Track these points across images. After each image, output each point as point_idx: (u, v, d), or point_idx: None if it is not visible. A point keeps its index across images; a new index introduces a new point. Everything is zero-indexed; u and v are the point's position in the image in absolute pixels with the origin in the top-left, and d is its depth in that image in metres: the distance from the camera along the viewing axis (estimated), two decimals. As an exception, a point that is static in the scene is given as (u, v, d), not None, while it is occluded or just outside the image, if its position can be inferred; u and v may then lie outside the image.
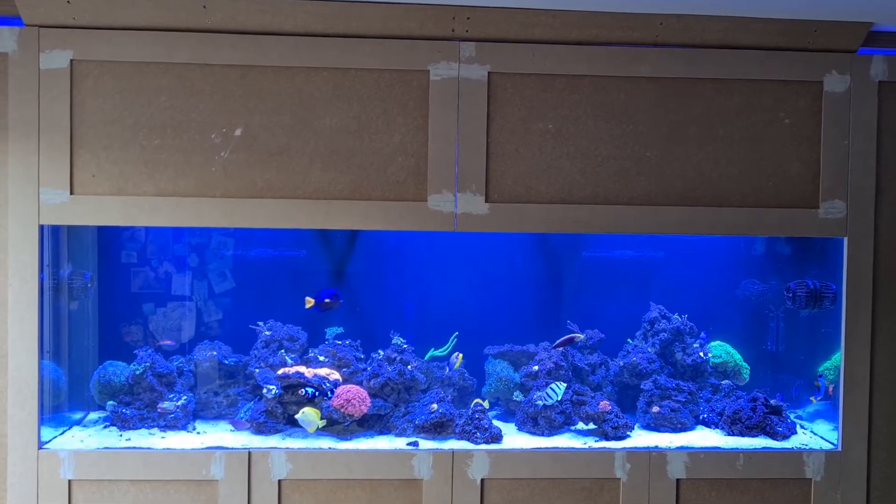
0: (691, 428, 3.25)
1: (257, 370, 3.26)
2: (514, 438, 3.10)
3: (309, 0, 2.77)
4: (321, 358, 3.28)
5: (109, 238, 3.35)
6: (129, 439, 2.97)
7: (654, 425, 3.23)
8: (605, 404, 3.15)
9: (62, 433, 3.01)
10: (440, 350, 3.41)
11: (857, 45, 2.94)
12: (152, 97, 2.81)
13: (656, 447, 3.01)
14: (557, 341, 3.34)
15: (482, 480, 2.90)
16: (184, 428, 3.12)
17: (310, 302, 3.24)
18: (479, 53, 2.86)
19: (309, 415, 3.00)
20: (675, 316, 3.50)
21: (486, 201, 2.89)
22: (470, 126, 2.88)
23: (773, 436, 3.13)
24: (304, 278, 3.57)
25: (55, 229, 2.94)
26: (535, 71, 2.89)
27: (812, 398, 3.28)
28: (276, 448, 2.89)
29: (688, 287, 3.64)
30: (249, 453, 2.84)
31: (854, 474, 2.99)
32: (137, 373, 3.16)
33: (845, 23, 2.90)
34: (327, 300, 3.21)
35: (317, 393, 3.04)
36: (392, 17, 2.81)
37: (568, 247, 3.65)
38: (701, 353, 3.43)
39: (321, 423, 3.02)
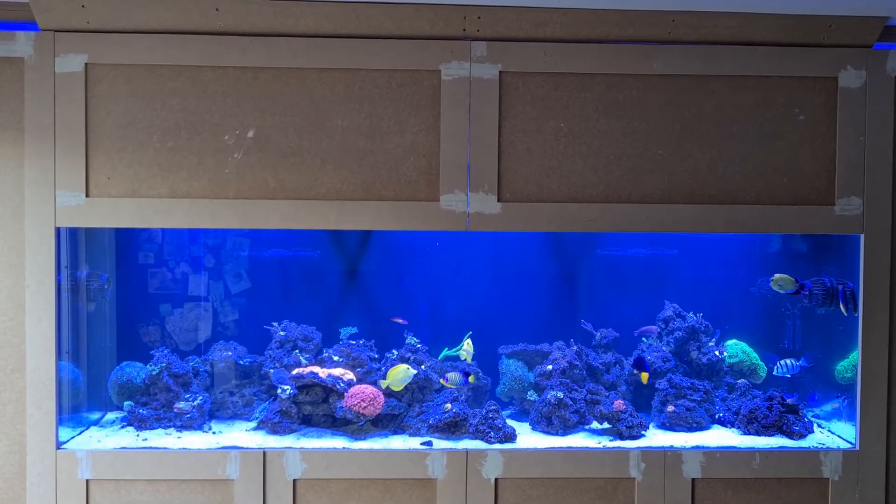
0: (707, 427, 3.23)
1: (272, 370, 3.28)
2: (528, 438, 3.10)
3: (319, 1, 2.78)
4: (335, 358, 3.29)
5: (126, 239, 3.38)
6: (146, 439, 3.00)
7: (669, 424, 3.21)
8: (619, 403, 3.14)
9: (80, 433, 3.05)
10: (454, 350, 3.41)
11: (872, 41, 2.90)
12: (165, 99, 2.83)
13: (671, 446, 2.99)
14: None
15: (496, 480, 2.90)
16: (199, 428, 3.14)
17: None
18: (490, 52, 2.86)
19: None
20: (690, 314, 3.49)
21: (499, 201, 2.89)
22: (482, 125, 2.87)
23: (790, 435, 3.10)
24: (318, 278, 3.59)
25: (72, 231, 2.97)
26: (547, 69, 2.88)
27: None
28: (290, 448, 2.91)
29: (703, 285, 3.62)
30: (264, 453, 2.86)
31: (872, 473, 2.95)
32: (154, 373, 3.19)
33: (861, 18, 2.87)
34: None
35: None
36: (403, 17, 2.81)
37: (581, 245, 3.64)
38: (717, 352, 3.41)
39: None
